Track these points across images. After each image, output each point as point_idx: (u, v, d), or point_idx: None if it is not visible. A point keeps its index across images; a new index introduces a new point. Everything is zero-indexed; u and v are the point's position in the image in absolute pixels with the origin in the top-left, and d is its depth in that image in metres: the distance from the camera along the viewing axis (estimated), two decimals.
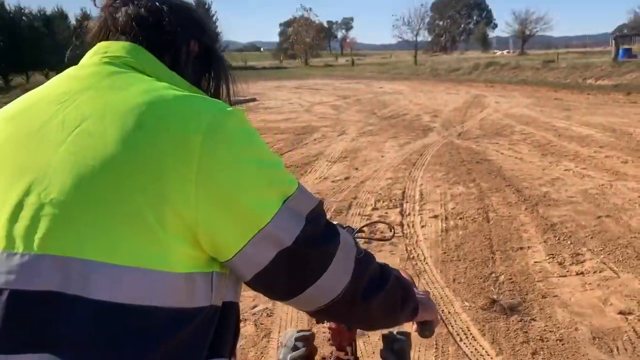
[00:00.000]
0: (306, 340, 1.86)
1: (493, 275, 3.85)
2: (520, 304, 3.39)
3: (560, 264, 4.01)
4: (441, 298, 3.52)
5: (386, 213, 5.39)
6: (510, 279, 3.78)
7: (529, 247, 4.36)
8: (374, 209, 5.54)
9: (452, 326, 3.16)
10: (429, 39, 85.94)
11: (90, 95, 0.84)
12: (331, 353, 1.74)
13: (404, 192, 6.13)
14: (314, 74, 37.90)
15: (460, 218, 5.16)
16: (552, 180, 6.41)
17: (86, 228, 0.75)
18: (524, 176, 6.65)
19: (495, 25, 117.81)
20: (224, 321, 0.85)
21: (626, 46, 34.55)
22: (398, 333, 1.90)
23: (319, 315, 0.98)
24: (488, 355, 2.85)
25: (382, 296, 0.97)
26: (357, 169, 7.43)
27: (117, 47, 0.93)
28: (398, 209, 5.50)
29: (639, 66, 21.30)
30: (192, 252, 0.78)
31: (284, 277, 0.85)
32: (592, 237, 4.50)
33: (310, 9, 70.69)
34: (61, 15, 51.08)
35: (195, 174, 0.76)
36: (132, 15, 0.95)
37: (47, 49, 44.85)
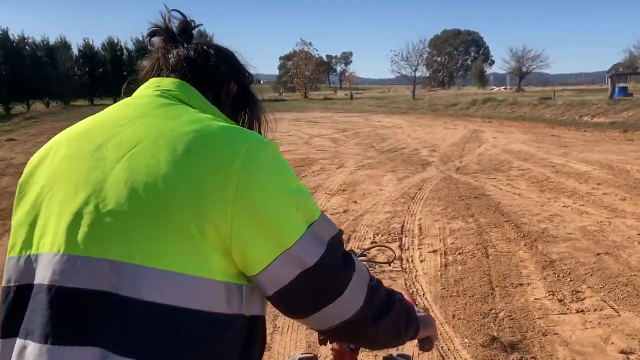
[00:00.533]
0: None
1: (493, 311, 3.82)
2: (520, 342, 3.35)
3: (560, 301, 3.98)
4: (440, 334, 3.48)
5: None
6: (510, 315, 3.75)
7: (528, 283, 4.34)
8: (373, 242, 5.53)
9: None
10: (427, 74, 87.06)
11: (144, 122, 0.96)
12: None
13: (402, 226, 6.12)
14: (312, 107, 38.25)
15: (460, 253, 5.15)
16: (551, 216, 6.41)
17: (138, 237, 0.85)
18: (522, 212, 6.65)
19: (493, 62, 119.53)
20: (252, 332, 0.94)
21: (622, 84, 35.03)
22: (398, 355, 1.95)
23: (329, 334, 1.06)
24: None
25: (389, 319, 1.07)
26: (355, 202, 7.43)
27: (168, 82, 1.07)
28: (397, 243, 5.49)
29: (634, 104, 21.53)
30: (227, 264, 0.87)
31: (303, 296, 0.93)
32: (591, 275, 4.48)
33: (310, 43, 71.73)
34: (64, 45, 51.72)
35: (233, 194, 0.86)
36: (183, 57, 1.11)
37: (49, 78, 45.28)
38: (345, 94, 64.59)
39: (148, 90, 1.07)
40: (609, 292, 4.11)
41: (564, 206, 6.91)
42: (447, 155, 12.00)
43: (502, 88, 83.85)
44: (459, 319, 3.73)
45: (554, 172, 9.43)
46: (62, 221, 0.89)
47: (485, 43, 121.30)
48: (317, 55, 74.22)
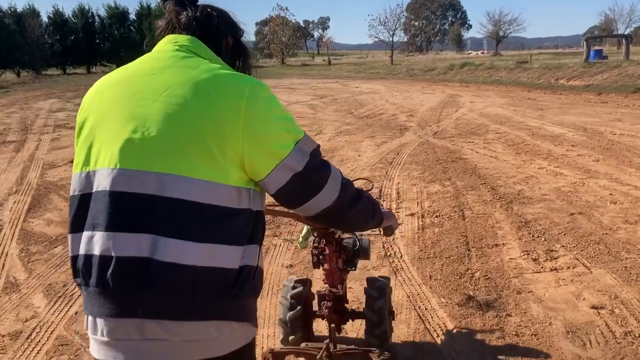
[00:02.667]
0: (304, 283, 2.60)
1: (469, 271, 3.89)
2: (496, 300, 3.42)
3: (534, 260, 4.07)
4: (418, 295, 3.54)
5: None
6: (486, 275, 3.82)
7: (504, 244, 4.42)
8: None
9: (429, 322, 3.18)
10: (405, 39, 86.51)
11: (172, 71, 1.30)
12: (325, 289, 2.39)
13: (381, 191, 6.15)
14: (290, 74, 37.88)
15: (437, 216, 5.20)
16: (526, 178, 6.50)
17: (174, 155, 1.21)
18: (498, 174, 6.73)
19: (470, 26, 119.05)
20: (258, 220, 1.32)
21: (597, 47, 35.25)
22: (380, 276, 2.73)
23: (317, 219, 1.45)
24: (463, 352, 2.87)
25: (358, 208, 1.50)
26: None
27: (183, 38, 1.40)
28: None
29: (609, 67, 21.72)
30: (240, 174, 1.26)
31: (295, 192, 1.33)
32: (565, 234, 4.57)
33: (287, 9, 70.66)
34: (33, 13, 50.14)
35: (242, 124, 1.23)
36: (192, 17, 1.43)
37: (18, 46, 43.97)
38: (323, 60, 63.95)
39: (168, 45, 1.39)
40: (581, 250, 4.21)
41: (539, 168, 7.01)
42: (424, 120, 12.02)
43: (479, 52, 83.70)
44: (435, 279, 3.79)
45: (530, 135, 9.52)
46: (116, 145, 1.24)
47: (462, 7, 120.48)
48: (293, 21, 73.13)
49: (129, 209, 1.21)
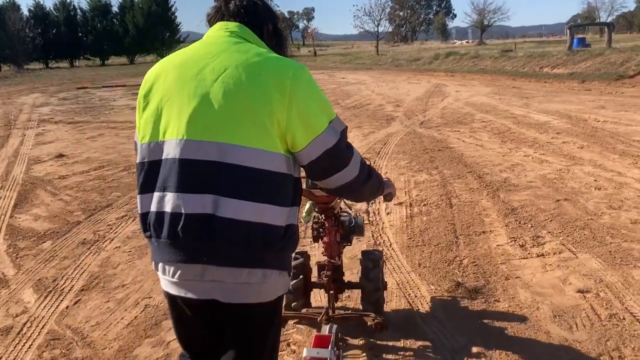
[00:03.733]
0: (303, 254, 2.85)
1: (457, 259, 3.93)
2: (484, 286, 3.47)
3: (521, 246, 4.12)
4: (407, 282, 3.58)
5: (352, 202, 5.42)
6: (474, 262, 3.86)
7: (491, 231, 4.47)
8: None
9: (419, 309, 3.22)
10: (390, 29, 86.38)
11: (227, 55, 1.52)
12: (325, 260, 2.57)
13: None
14: None
15: (424, 204, 5.25)
16: (512, 166, 6.56)
17: (234, 128, 1.44)
18: (484, 163, 6.79)
19: (455, 16, 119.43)
20: (297, 187, 1.57)
21: (580, 35, 35.45)
22: (374, 250, 3.00)
23: (338, 191, 1.69)
24: (452, 337, 2.91)
25: (371, 183, 1.76)
26: None
27: (233, 25, 1.62)
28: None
29: (592, 55, 21.90)
30: (284, 144, 1.48)
31: (324, 166, 1.57)
32: (551, 220, 4.63)
33: None
34: (13, 6, 49.38)
35: (287, 102, 1.45)
36: (240, 5, 1.65)
37: None
38: (309, 51, 63.69)
39: (220, 32, 1.61)
40: (567, 236, 4.27)
41: (525, 156, 7.07)
42: (411, 110, 12.06)
43: (464, 42, 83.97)
44: (424, 267, 3.82)
45: (515, 123, 9.60)
46: (182, 120, 1.47)
47: None
48: (278, 12, 72.71)
49: (195, 173, 1.45)
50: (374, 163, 7.06)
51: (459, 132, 9.07)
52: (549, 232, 4.36)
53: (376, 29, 60.17)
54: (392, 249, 4.19)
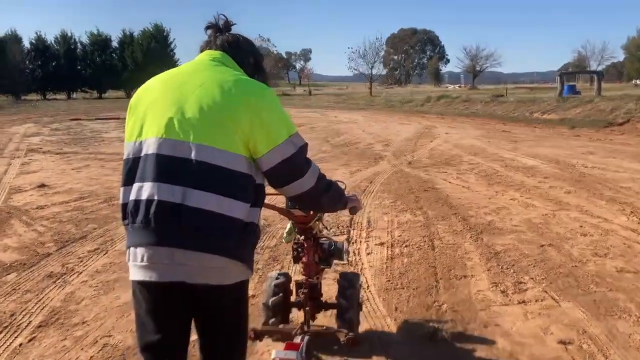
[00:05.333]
0: (285, 275, 2.92)
1: (436, 304, 3.77)
2: (462, 334, 3.30)
3: (502, 292, 3.97)
4: (382, 328, 3.41)
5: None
6: (453, 307, 3.70)
7: (472, 275, 4.32)
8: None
9: (393, 357, 3.04)
10: (384, 72, 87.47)
11: (206, 73, 1.82)
12: (303, 279, 2.68)
13: (351, 219, 6.03)
14: None
15: (406, 246, 5.10)
16: (498, 209, 6.46)
17: (204, 131, 1.69)
18: (470, 205, 6.68)
19: (448, 61, 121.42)
20: (258, 191, 1.79)
21: (571, 83, 36.02)
22: (351, 273, 3.16)
23: (296, 199, 1.94)
24: None
25: (329, 194, 1.98)
26: None
27: (217, 53, 1.93)
28: (345, 236, 5.39)
29: (582, 102, 22.15)
30: (247, 150, 1.73)
31: (283, 173, 1.80)
32: (534, 266, 4.49)
33: (269, 40, 71.18)
34: (15, 38, 49.80)
35: (251, 113, 1.71)
36: (225, 41, 1.97)
37: None
38: (304, 90, 64.35)
39: (206, 57, 1.92)
40: (550, 283, 4.13)
41: (511, 199, 6.98)
42: (400, 150, 12.03)
43: (456, 86, 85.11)
44: (401, 311, 3.66)
45: (503, 167, 9.55)
46: (162, 121, 1.73)
47: (440, 42, 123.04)
48: (275, 52, 73.72)
49: (169, 167, 1.69)
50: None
51: (446, 173, 9.00)
52: (532, 278, 4.22)
53: (370, 72, 60.97)
54: (370, 291, 4.02)
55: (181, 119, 1.71)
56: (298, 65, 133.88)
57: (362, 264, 4.63)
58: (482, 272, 4.39)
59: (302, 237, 2.71)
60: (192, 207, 1.65)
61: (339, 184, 2.62)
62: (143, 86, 1.89)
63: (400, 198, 7.11)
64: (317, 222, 2.72)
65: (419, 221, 5.94)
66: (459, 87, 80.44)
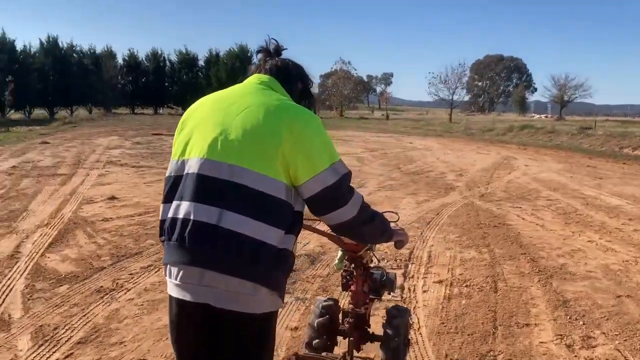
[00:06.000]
0: (334, 300, 2.75)
1: (491, 353, 3.49)
2: None
3: (568, 346, 3.61)
4: None
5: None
6: (510, 359, 3.40)
7: (536, 324, 3.97)
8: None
9: None
10: (466, 98, 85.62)
11: (252, 97, 1.83)
12: (350, 309, 2.59)
13: (411, 252, 5.80)
14: (347, 126, 37.97)
15: (467, 285, 4.80)
16: (572, 251, 5.99)
17: (245, 155, 1.70)
18: (542, 245, 6.24)
19: (535, 89, 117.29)
20: (295, 218, 1.78)
21: None
22: (402, 306, 2.96)
23: (337, 228, 1.86)
24: None
25: (371, 226, 1.93)
26: None
27: (265, 77, 1.93)
28: (402, 270, 5.17)
29: None
30: (287, 175, 1.72)
31: (323, 202, 1.77)
32: (608, 319, 4.08)
33: (349, 63, 71.47)
34: (110, 54, 52.87)
35: (294, 140, 1.70)
36: (274, 64, 1.98)
37: (93, 85, 46.25)
38: (382, 115, 64.20)
39: (254, 80, 1.94)
40: (625, 340, 3.72)
41: (589, 241, 6.46)
42: (473, 181, 11.58)
43: (542, 116, 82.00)
44: (451, 359, 3.39)
45: (584, 205, 8.93)
46: (206, 142, 1.75)
47: (528, 70, 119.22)
48: (356, 75, 74.17)
49: (208, 187, 1.71)
50: (421, 234, 6.66)
51: (521, 208, 8.52)
52: (604, 333, 3.82)
53: (451, 97, 59.93)
54: (420, 333, 3.78)
55: (224, 141, 1.72)
56: (378, 89, 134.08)
57: (416, 302, 4.38)
58: (548, 321, 4.03)
59: (352, 265, 2.61)
60: (226, 228, 1.66)
61: (392, 214, 2.53)
62: (193, 105, 1.93)
63: (467, 233, 6.77)
64: (367, 252, 2.60)
65: (484, 259, 5.60)
66: (545, 117, 77.44)
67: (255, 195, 1.67)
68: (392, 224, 2.17)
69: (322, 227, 2.83)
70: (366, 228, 1.91)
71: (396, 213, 2.66)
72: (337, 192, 1.76)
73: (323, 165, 1.72)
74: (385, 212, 2.24)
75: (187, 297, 1.74)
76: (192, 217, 1.69)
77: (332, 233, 2.59)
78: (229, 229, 1.65)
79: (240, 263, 1.67)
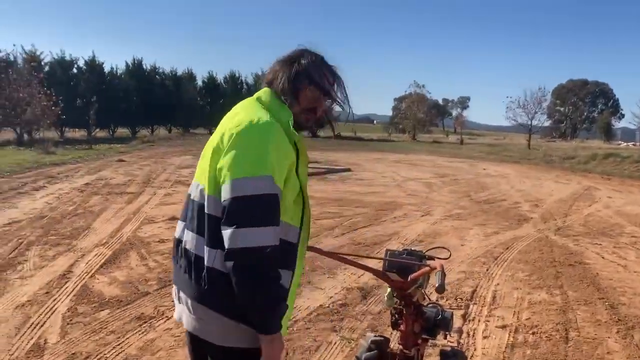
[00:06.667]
0: (385, 338, 2.53)
1: None
2: None
3: None
4: None
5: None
6: None
7: None
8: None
9: None
10: (546, 123, 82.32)
11: (242, 113, 1.75)
12: (399, 350, 2.39)
13: (474, 291, 5.35)
14: (418, 149, 37.29)
15: (534, 333, 4.33)
16: None
17: (200, 172, 1.75)
18: (623, 288, 5.61)
19: (622, 116, 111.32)
20: (285, 249, 1.68)
21: None
22: (459, 349, 2.74)
23: (226, 255, 1.54)
24: None
25: (257, 281, 1.53)
26: None
27: (260, 91, 1.85)
28: (462, 311, 4.75)
29: None
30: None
31: (228, 211, 1.58)
32: None
33: (423, 86, 70.54)
34: (190, 76, 54.95)
35: (224, 151, 1.62)
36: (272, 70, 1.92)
37: (174, 106, 48.12)
38: (457, 139, 62.79)
39: (254, 95, 1.84)
40: None
41: None
42: (550, 212, 10.84)
43: (630, 144, 77.52)
44: None
45: None
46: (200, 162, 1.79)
47: (614, 95, 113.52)
48: (430, 98, 73.13)
49: (186, 206, 1.77)
50: (487, 270, 6.18)
51: (601, 245, 7.81)
52: None
53: (529, 122, 57.76)
54: None
55: (201, 161, 1.76)
56: (454, 112, 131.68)
57: (475, 349, 3.97)
58: None
59: (402, 303, 2.41)
60: (187, 248, 1.68)
61: (443, 251, 2.38)
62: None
63: (538, 271, 6.21)
64: (418, 289, 2.39)
65: (555, 303, 5.08)
66: (633, 145, 73.12)
67: (206, 215, 1.62)
68: (440, 261, 2.04)
69: (368, 262, 2.60)
70: (238, 277, 1.51)
71: (447, 249, 2.43)
72: (244, 206, 1.52)
73: (237, 174, 1.55)
74: (435, 247, 2.08)
75: (183, 324, 1.73)
76: (176, 236, 1.78)
77: (378, 269, 2.37)
78: (188, 249, 1.67)
79: (190, 282, 1.63)
